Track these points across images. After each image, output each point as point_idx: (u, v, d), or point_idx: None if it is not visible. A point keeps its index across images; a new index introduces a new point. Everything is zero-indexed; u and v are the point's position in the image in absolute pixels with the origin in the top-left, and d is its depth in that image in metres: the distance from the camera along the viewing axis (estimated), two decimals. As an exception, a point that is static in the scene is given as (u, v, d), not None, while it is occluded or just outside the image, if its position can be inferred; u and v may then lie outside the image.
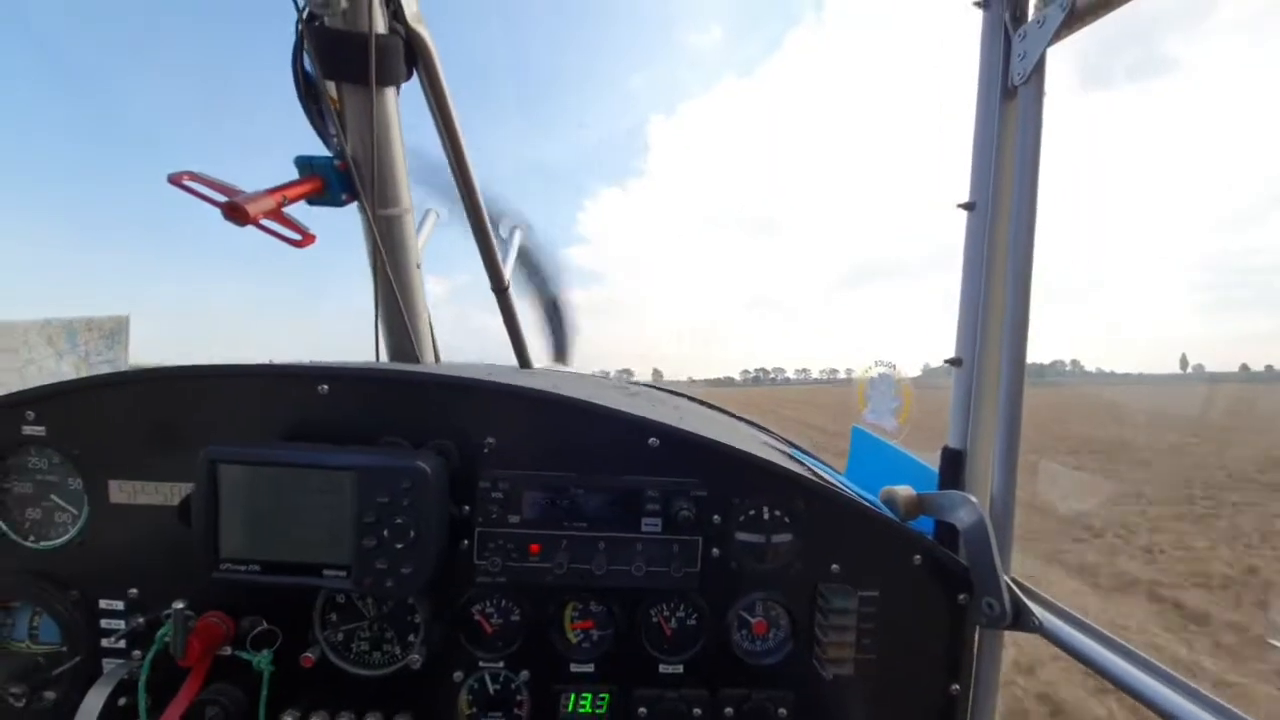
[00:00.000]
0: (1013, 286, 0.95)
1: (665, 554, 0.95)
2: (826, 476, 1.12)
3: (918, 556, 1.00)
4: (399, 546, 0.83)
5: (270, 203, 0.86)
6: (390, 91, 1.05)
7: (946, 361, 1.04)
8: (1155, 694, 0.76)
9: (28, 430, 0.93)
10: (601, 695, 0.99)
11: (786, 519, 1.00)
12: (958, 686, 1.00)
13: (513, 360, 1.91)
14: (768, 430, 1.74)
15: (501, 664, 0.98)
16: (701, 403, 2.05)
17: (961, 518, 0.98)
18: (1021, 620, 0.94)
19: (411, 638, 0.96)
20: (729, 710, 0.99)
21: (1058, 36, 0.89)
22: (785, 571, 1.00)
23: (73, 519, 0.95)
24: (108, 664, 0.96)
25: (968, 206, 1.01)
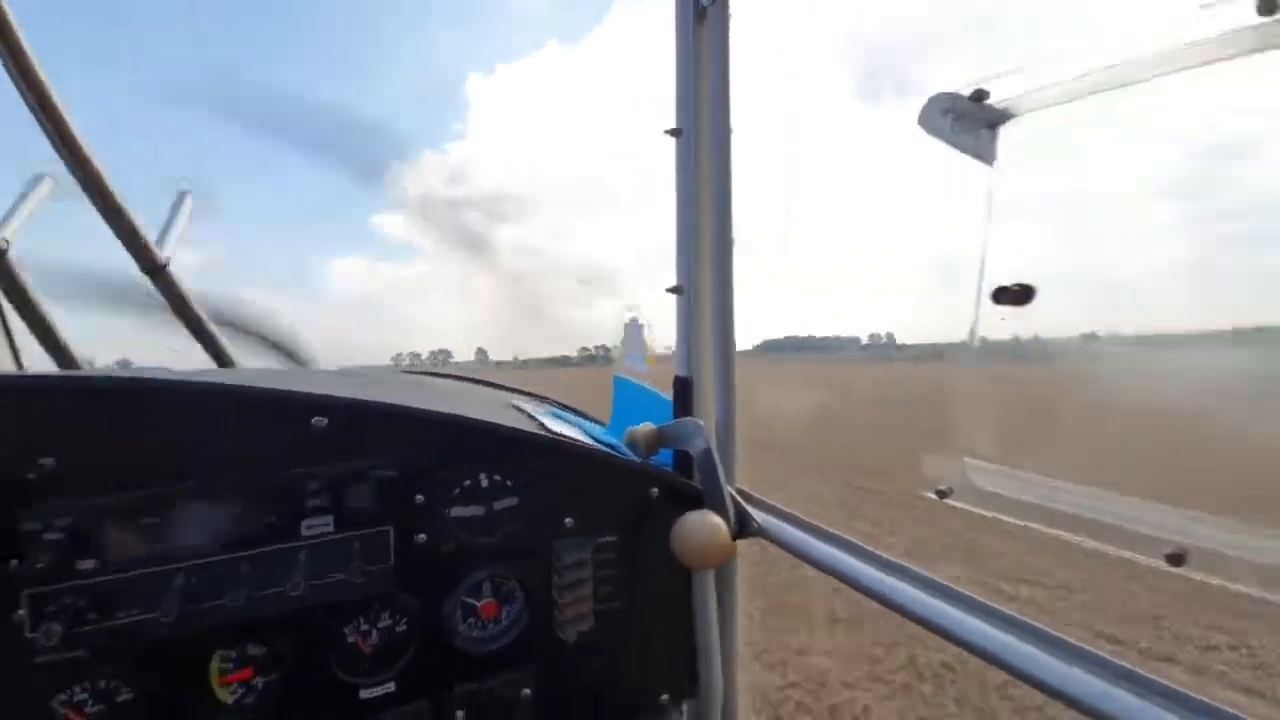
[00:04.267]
0: (716, 212, 0.97)
1: (341, 557, 0.76)
2: (562, 430, 1.05)
3: (655, 489, 0.98)
4: None
5: None
6: None
7: (668, 290, 1.04)
8: (869, 579, 0.80)
9: None
10: None
11: (509, 482, 0.90)
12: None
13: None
14: (529, 394, 1.64)
15: None
16: (478, 381, 1.87)
17: (693, 444, 0.99)
18: (744, 527, 0.97)
19: None
20: (460, 713, 0.85)
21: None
22: (513, 539, 0.90)
23: None
24: None
25: (674, 133, 1.01)
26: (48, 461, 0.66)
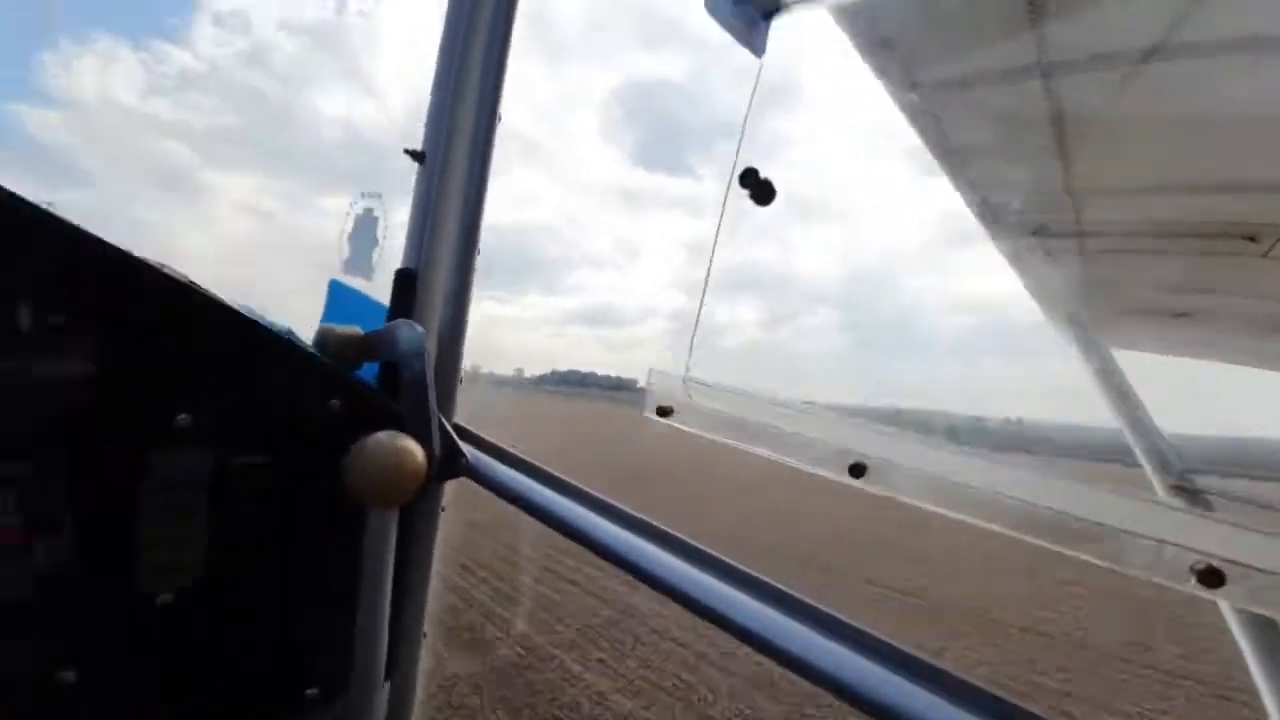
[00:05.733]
0: (486, 60, 0.77)
1: None
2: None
3: (336, 401, 0.72)
4: None
5: None
6: None
7: (407, 152, 0.80)
8: (606, 535, 0.68)
9: None
10: None
11: (83, 336, 0.56)
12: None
13: None
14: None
15: None
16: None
17: (403, 352, 0.76)
18: (451, 465, 0.77)
19: None
20: None
21: None
22: (72, 425, 0.57)
23: None
24: None
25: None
26: None
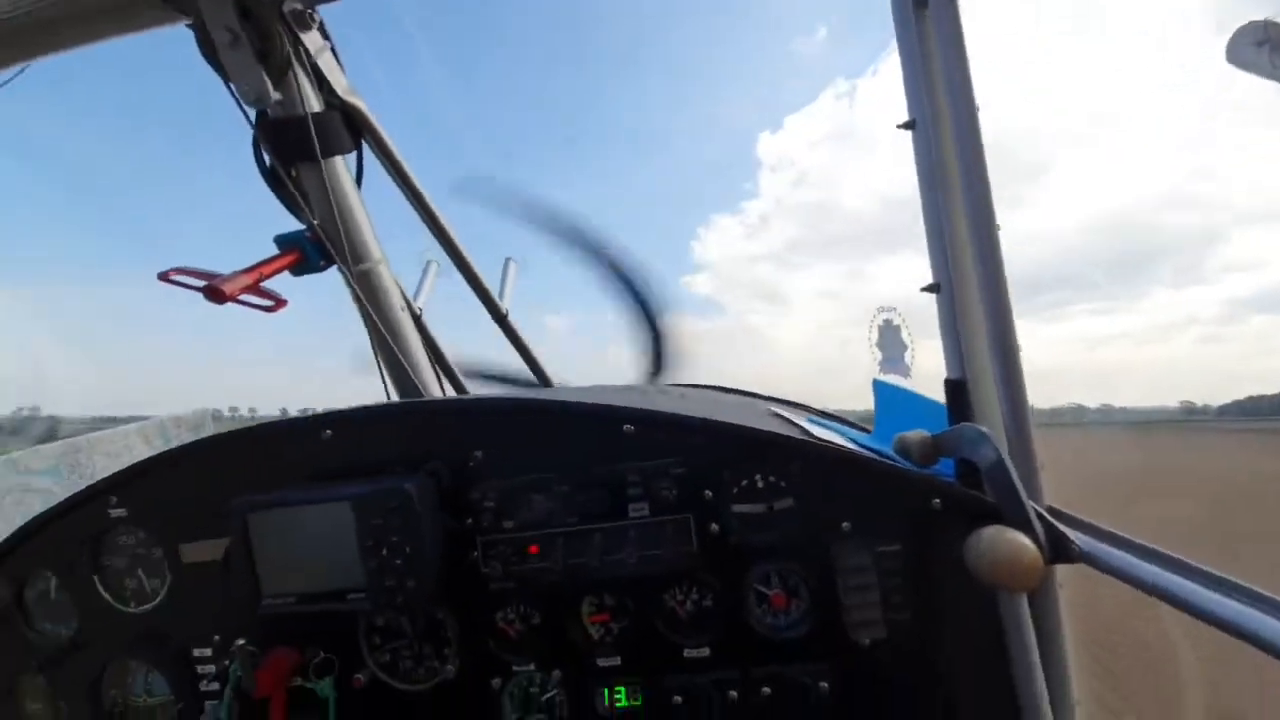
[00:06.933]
0: (971, 204, 0.88)
1: (657, 537, 0.96)
2: (826, 436, 1.07)
3: (937, 500, 0.93)
4: (398, 563, 0.90)
5: (246, 280, 1.00)
6: (338, 161, 1.17)
7: (923, 289, 0.98)
8: (1227, 610, 0.66)
9: (113, 513, 1.10)
10: (634, 686, 1.00)
11: (783, 484, 0.97)
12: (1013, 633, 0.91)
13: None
14: (786, 401, 1.67)
15: (532, 666, 1.02)
16: (735, 391, 2.00)
17: (979, 452, 0.91)
18: (1061, 550, 0.84)
19: (446, 650, 1.03)
20: (765, 690, 0.96)
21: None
22: (793, 538, 0.97)
23: (161, 582, 1.11)
24: (209, 705, 1.10)
25: (908, 125, 0.95)
26: (478, 454, 1.02)
